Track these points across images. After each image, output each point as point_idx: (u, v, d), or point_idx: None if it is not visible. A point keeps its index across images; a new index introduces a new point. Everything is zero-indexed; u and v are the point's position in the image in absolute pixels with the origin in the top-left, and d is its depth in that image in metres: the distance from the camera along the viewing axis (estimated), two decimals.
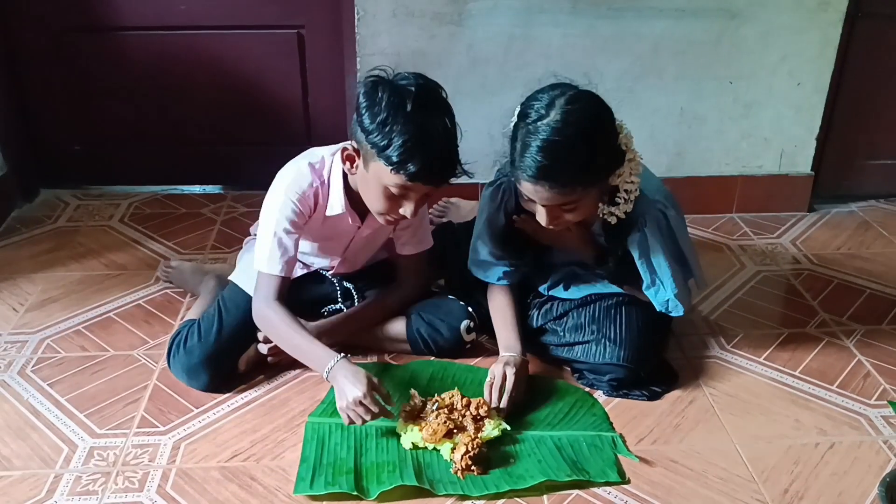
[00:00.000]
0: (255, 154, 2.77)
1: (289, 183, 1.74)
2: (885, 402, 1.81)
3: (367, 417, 1.58)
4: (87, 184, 2.86)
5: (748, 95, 2.61)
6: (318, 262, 1.96)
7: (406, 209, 1.64)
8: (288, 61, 2.69)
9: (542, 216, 1.65)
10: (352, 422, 1.60)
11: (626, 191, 1.65)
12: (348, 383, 1.59)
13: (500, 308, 1.89)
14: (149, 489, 1.54)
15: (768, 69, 2.57)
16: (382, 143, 1.54)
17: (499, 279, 1.90)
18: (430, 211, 2.49)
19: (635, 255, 1.74)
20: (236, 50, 2.66)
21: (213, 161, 2.85)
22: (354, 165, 1.67)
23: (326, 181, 1.76)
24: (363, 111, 1.56)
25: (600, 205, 1.69)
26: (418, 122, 1.53)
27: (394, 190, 1.60)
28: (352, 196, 1.76)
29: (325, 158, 1.77)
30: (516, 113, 1.61)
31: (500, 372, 1.72)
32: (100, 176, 2.85)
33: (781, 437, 1.71)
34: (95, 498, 1.51)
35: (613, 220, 1.69)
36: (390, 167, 1.55)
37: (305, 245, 1.87)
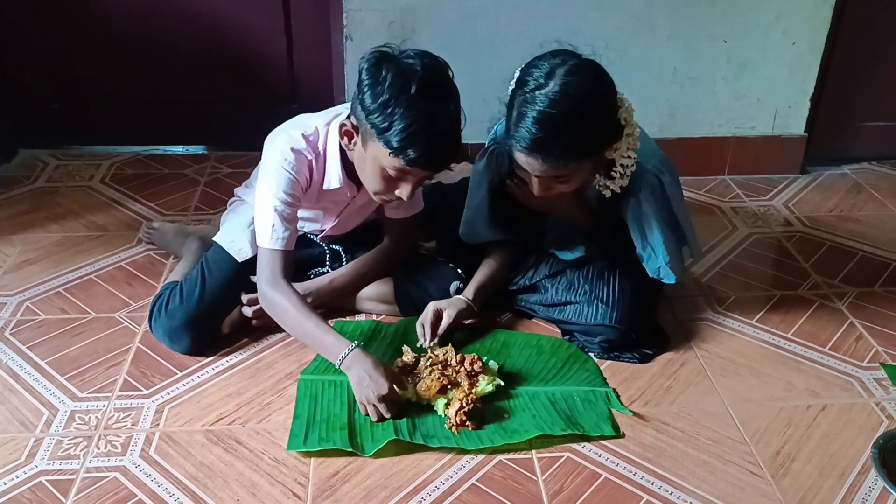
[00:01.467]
0: (240, 113, 2.71)
1: (284, 155, 1.67)
2: (877, 365, 1.81)
3: (388, 416, 1.56)
4: (67, 144, 2.79)
5: (742, 55, 2.56)
6: (309, 227, 1.92)
7: (402, 191, 1.60)
8: (272, 17, 2.62)
9: (535, 186, 1.63)
10: (379, 416, 1.58)
11: (622, 165, 1.62)
12: (368, 378, 1.56)
13: (485, 261, 1.91)
14: (132, 453, 1.51)
15: (763, 28, 2.52)
16: (383, 126, 1.49)
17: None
18: None
19: (628, 220, 1.72)
20: (220, 4, 2.58)
21: (197, 120, 2.78)
22: (352, 142, 1.62)
23: (322, 154, 1.70)
24: (365, 89, 1.50)
25: (596, 176, 1.65)
26: (422, 106, 1.47)
27: (391, 172, 1.56)
28: (348, 167, 1.70)
29: (319, 129, 1.70)
30: (515, 78, 1.56)
31: (432, 310, 1.78)
32: (79, 135, 2.79)
33: (773, 400, 1.70)
34: (77, 462, 1.48)
35: (608, 194, 1.66)
36: (389, 151, 1.50)
37: (299, 212, 1.83)
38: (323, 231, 1.92)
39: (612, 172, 1.63)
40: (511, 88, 1.57)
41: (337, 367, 1.60)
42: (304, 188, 1.71)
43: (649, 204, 1.69)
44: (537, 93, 1.49)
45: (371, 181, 1.62)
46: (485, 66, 2.36)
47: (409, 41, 2.39)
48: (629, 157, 1.61)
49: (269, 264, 1.66)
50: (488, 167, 1.78)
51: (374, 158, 1.56)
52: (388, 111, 1.47)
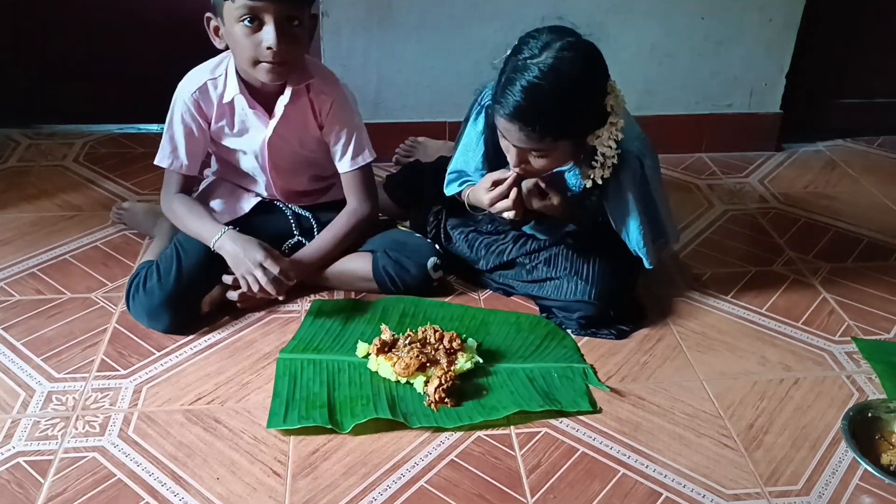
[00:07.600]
0: None
1: (185, 80, 1.81)
2: (849, 339, 1.84)
3: (264, 280, 1.68)
4: (39, 122, 2.75)
5: (719, 32, 2.57)
6: (253, 184, 1.94)
7: (266, 36, 1.61)
8: None
9: (511, 156, 1.63)
10: (255, 291, 1.72)
11: (602, 154, 1.62)
12: (242, 250, 1.71)
13: None
14: (110, 433, 1.50)
15: (740, 4, 2.53)
16: None
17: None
18: (397, 151, 2.43)
19: (607, 202, 1.73)
20: None
21: (171, 98, 2.73)
22: (219, 33, 1.69)
23: (224, 72, 1.78)
24: None
25: (582, 167, 1.66)
26: None
27: (245, 20, 1.60)
28: (252, 89, 1.77)
29: (222, 56, 1.79)
30: (512, 45, 1.57)
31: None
32: (52, 114, 2.75)
33: (747, 374, 1.72)
34: (55, 443, 1.48)
35: (589, 184, 1.66)
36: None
37: (221, 152, 1.90)
38: (271, 185, 1.91)
39: (594, 162, 1.64)
40: (506, 54, 1.58)
41: (212, 247, 1.74)
42: (208, 111, 1.80)
43: (630, 187, 1.70)
44: (529, 62, 1.51)
45: (241, 51, 1.66)
46: (461, 41, 2.35)
47: (386, 16, 2.37)
48: (610, 146, 1.61)
49: (166, 184, 1.86)
50: (487, 126, 1.77)
51: (230, 22, 1.62)
52: None
